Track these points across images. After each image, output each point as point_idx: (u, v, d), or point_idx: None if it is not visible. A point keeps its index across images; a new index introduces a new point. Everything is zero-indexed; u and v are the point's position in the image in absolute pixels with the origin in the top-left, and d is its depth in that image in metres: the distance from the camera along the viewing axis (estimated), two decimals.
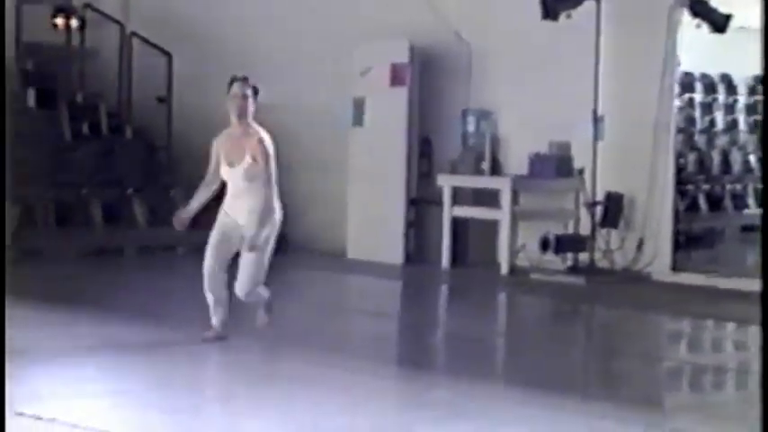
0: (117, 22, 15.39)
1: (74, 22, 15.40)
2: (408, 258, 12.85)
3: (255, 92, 7.78)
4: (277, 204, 7.71)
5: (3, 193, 8.99)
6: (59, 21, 15.35)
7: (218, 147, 7.84)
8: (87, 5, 15.36)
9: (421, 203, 13.08)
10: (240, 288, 7.57)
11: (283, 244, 13.35)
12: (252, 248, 7.49)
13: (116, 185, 13.31)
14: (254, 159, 7.59)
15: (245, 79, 7.79)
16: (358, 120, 13.27)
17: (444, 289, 11.97)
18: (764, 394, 4.15)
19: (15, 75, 14.97)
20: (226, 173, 7.72)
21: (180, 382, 6.81)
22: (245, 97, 7.69)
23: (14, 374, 6.59)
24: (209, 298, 7.66)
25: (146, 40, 14.86)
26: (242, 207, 7.61)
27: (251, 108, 7.74)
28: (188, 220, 7.93)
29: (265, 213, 7.56)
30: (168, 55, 14.69)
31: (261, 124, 7.86)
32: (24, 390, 6.25)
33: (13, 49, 15.23)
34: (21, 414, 5.71)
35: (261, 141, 7.63)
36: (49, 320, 8.62)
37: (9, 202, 11.98)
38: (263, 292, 7.82)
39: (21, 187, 12.27)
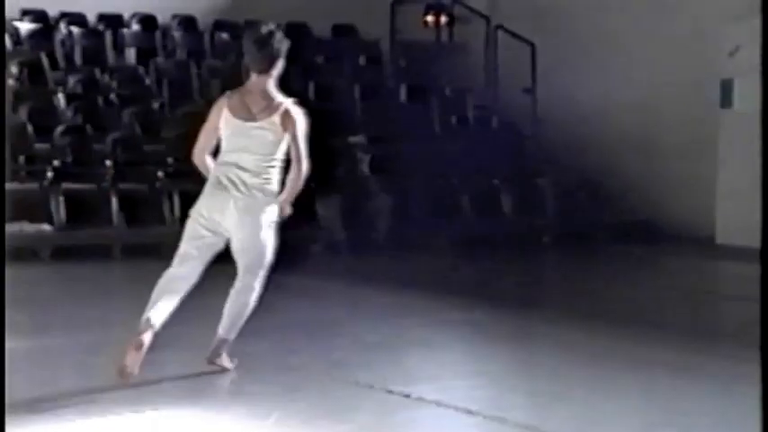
0: (483, 16, 15.78)
1: (443, 19, 15.98)
2: None
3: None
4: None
5: (2, 189, 9.39)
6: (430, 18, 15.99)
7: None
8: (456, 1, 15.86)
9: None
10: None
11: (651, 230, 13.40)
12: None
13: (484, 175, 13.62)
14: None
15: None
16: (727, 102, 12.91)
17: None
18: (764, 394, 3.78)
19: (390, 72, 15.71)
20: None
21: (542, 368, 6.95)
22: None
23: (389, 358, 7.00)
24: None
25: (511, 33, 15.14)
26: None
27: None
28: None
29: None
30: (532, 45, 14.90)
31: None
32: (396, 371, 6.62)
33: (388, 49, 16.01)
34: (391, 392, 6.06)
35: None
36: (424, 307, 8.98)
37: (385, 194, 12.59)
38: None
39: (393, 179, 12.89)
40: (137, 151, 12.48)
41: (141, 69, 14.36)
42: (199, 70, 14.48)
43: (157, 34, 15.00)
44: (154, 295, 6.01)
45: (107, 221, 11.73)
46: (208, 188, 6.11)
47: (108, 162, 12.14)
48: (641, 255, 12.56)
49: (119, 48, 14.75)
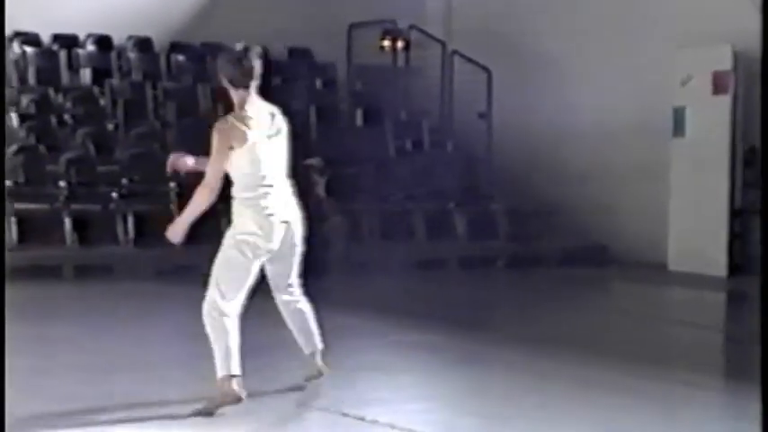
0: (440, 41, 15.87)
1: (399, 44, 16.06)
2: (733, 270, 12.51)
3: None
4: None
5: (3, 194, 9.41)
6: (386, 43, 16.05)
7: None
8: (412, 26, 15.94)
9: (746, 214, 12.71)
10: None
11: (603, 256, 13.51)
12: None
13: (438, 199, 13.67)
14: None
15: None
16: (679, 130, 13.06)
17: None
18: (764, 394, 3.89)
19: (346, 95, 15.74)
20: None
21: (494, 391, 6.97)
22: None
23: (343, 381, 6.98)
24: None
25: (467, 58, 15.23)
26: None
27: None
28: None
29: None
30: (488, 71, 14.99)
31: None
32: (351, 394, 6.61)
33: (344, 72, 16.06)
34: (345, 415, 6.05)
35: None
36: (377, 329, 8.98)
37: (339, 216, 12.60)
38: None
39: (347, 201, 12.89)
40: (90, 172, 12.43)
41: (96, 90, 14.30)
42: (154, 91, 14.43)
43: (113, 55, 14.94)
44: None
45: (59, 241, 11.66)
46: None
47: (61, 182, 12.08)
48: (593, 279, 12.65)
49: (73, 68, 14.68)
